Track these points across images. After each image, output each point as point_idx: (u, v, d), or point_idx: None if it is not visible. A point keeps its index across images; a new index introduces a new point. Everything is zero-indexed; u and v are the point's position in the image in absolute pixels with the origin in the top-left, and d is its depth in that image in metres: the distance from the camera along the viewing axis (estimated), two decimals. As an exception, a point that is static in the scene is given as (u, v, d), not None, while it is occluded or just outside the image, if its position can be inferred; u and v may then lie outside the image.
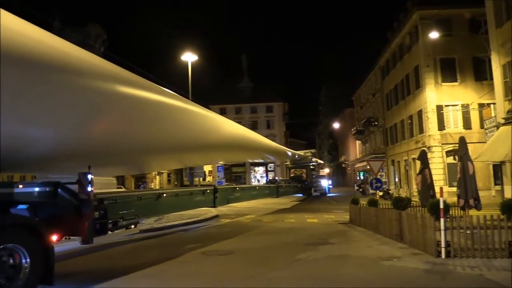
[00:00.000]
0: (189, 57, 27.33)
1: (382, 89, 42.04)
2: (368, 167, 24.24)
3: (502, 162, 21.20)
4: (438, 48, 28.31)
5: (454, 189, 20.56)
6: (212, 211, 20.82)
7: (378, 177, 19.72)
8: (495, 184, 25.47)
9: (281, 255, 9.76)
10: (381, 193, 28.63)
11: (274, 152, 27.08)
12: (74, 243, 11.87)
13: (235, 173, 59.67)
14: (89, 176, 6.71)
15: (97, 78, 7.01)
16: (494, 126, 22.29)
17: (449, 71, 28.68)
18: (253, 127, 58.86)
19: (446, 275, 7.47)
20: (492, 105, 23.99)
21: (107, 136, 7.62)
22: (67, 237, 7.08)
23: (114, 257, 10.09)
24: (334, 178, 78.08)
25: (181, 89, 26.81)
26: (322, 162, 61.21)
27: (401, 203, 12.69)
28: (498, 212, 9.72)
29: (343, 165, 73.49)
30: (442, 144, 27.98)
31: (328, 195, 42.46)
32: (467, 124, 27.63)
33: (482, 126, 25.93)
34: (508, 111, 20.58)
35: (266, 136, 46.61)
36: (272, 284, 7.11)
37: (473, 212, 11.10)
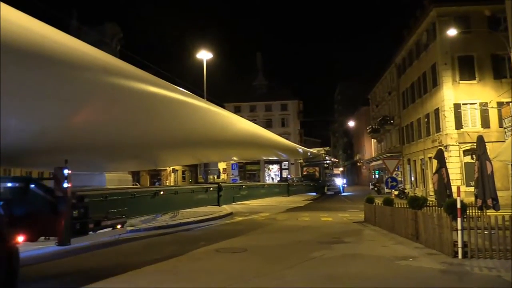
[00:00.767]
0: (204, 55, 27.43)
1: (398, 87, 41.58)
2: (384, 166, 24.02)
3: (521, 162, 20.78)
4: (456, 46, 27.85)
5: (471, 188, 20.26)
6: (226, 209, 20.89)
7: (394, 176, 19.53)
8: (514, 184, 24.99)
9: (295, 253, 9.74)
10: (396, 192, 28.36)
11: (286, 149, 26.61)
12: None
13: (249, 171, 59.78)
14: (66, 171, 6.23)
15: (109, 74, 7.13)
16: (514, 125, 21.87)
17: (467, 69, 28.19)
18: (268, 125, 58.87)
19: (463, 276, 7.37)
20: (511, 104, 23.53)
21: (121, 130, 7.77)
22: (47, 237, 6.55)
23: (128, 253, 10.18)
24: (348, 176, 77.64)
25: (196, 87, 26.97)
26: (336, 160, 60.82)
27: (417, 203, 12.53)
28: (517, 212, 9.54)
29: (358, 164, 72.97)
30: (460, 143, 27.54)
31: (343, 194, 41.84)
32: (485, 123, 27.13)
33: (500, 125, 25.44)
34: (528, 110, 20.16)
35: (280, 134, 46.49)
36: (286, 282, 7.09)
37: (491, 212, 10.93)
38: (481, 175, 11.25)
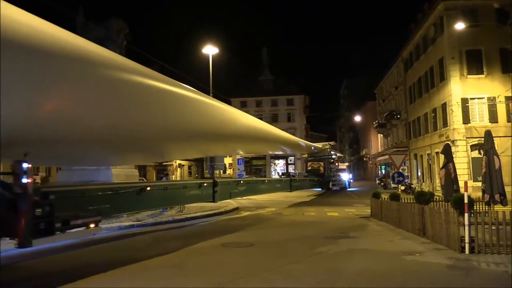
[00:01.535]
0: (210, 50, 27.39)
1: (405, 82, 41.33)
2: (390, 160, 23.93)
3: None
4: (464, 40, 27.60)
5: (479, 184, 20.13)
6: (233, 204, 20.96)
7: (400, 171, 19.46)
8: (522, 179, 24.81)
9: (301, 248, 9.75)
10: (403, 187, 28.29)
11: (287, 143, 26.03)
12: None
13: (256, 166, 59.76)
14: (25, 165, 5.79)
15: (118, 70, 7.17)
16: (522, 120, 21.69)
17: (475, 63, 27.93)
18: (274, 120, 58.80)
19: (470, 271, 7.34)
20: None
21: (128, 122, 7.81)
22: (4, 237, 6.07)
23: (135, 247, 10.24)
24: (355, 171, 77.50)
25: (202, 82, 26.98)
26: (342, 155, 60.65)
27: (424, 198, 12.49)
28: (525, 207, 9.49)
29: (364, 159, 72.77)
30: (467, 138, 27.36)
31: (349, 189, 40.94)
32: (493, 118, 26.91)
33: (509, 120, 25.26)
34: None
35: (286, 129, 46.24)
36: (292, 276, 7.11)
37: (498, 207, 10.86)
38: (488, 170, 11.18)
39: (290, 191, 27.37)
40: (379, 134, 57.29)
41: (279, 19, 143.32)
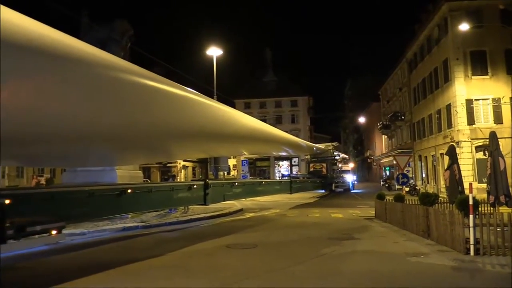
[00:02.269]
0: (214, 52, 27.44)
1: (409, 83, 41.25)
2: (395, 162, 23.87)
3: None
4: (468, 41, 27.54)
5: (483, 185, 20.06)
6: (237, 205, 20.97)
7: (405, 172, 19.41)
8: (527, 181, 24.68)
9: (305, 250, 9.73)
10: (407, 189, 28.17)
11: (288, 143, 25.75)
12: (92, 234, 12.21)
13: (259, 167, 59.79)
14: None
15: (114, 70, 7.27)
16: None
17: (479, 64, 27.86)
18: (278, 121, 58.83)
19: (475, 273, 7.31)
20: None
21: (133, 122, 7.92)
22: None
23: (139, 248, 10.26)
24: (359, 173, 77.34)
25: (206, 84, 27.03)
26: (346, 156, 60.41)
27: (428, 199, 12.42)
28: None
29: (368, 160, 72.63)
30: (472, 139, 27.27)
31: (353, 191, 39.48)
32: (498, 119, 26.82)
33: (514, 121, 25.15)
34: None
35: (290, 131, 46.04)
36: (296, 278, 7.10)
37: (503, 209, 10.82)
38: (493, 171, 11.12)
39: (290, 193, 26.38)
40: (383, 136, 57.19)
41: (283, 20, 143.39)
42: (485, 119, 27.31)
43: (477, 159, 26.93)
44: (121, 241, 11.40)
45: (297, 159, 57.37)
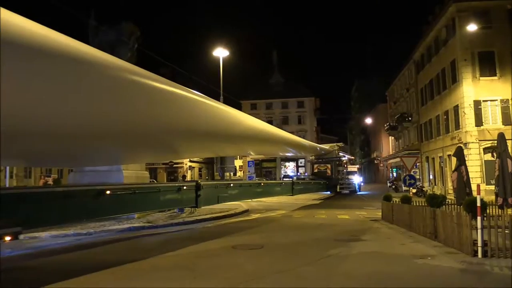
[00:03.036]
0: (220, 53, 27.50)
1: (416, 84, 41.05)
2: (402, 163, 23.76)
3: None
4: (476, 41, 27.35)
5: (491, 187, 19.91)
6: (243, 206, 20.98)
7: (412, 173, 19.32)
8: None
9: (311, 251, 9.72)
10: (414, 190, 28.06)
11: (291, 143, 25.44)
12: (99, 234, 12.27)
13: (266, 168, 59.78)
14: None
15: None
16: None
17: (487, 65, 27.64)
18: (284, 122, 58.82)
19: (483, 275, 7.25)
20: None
21: (140, 121, 8.15)
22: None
23: (144, 249, 10.28)
24: (366, 174, 77.07)
25: (213, 85, 27.09)
26: (352, 157, 60.09)
27: (436, 201, 12.36)
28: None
29: (375, 162, 72.37)
30: (480, 140, 27.06)
31: (359, 193, 38.66)
32: (506, 120, 26.58)
33: (522, 122, 24.91)
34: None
35: (297, 132, 45.89)
36: (303, 279, 7.09)
37: (512, 211, 10.73)
38: (502, 173, 11.04)
39: (292, 195, 25.39)
40: (390, 137, 56.98)
41: (289, 21, 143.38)
42: (493, 120, 27.09)
43: (485, 160, 26.72)
44: (128, 241, 11.46)
45: (303, 160, 57.28)
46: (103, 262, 8.34)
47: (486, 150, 26.80)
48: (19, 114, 5.50)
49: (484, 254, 8.38)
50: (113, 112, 7.22)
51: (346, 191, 37.23)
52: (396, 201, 14.95)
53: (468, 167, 13.99)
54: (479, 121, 27.17)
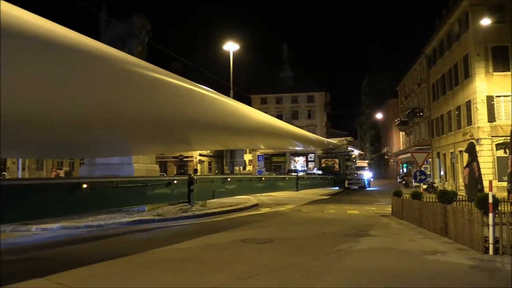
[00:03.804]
0: (231, 47, 27.46)
1: (428, 79, 40.64)
2: (412, 159, 23.59)
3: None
4: (489, 36, 26.97)
5: (504, 183, 19.69)
6: (252, 200, 21.02)
7: (423, 169, 19.19)
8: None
9: (321, 246, 9.71)
10: (425, 186, 27.88)
11: (298, 137, 25.25)
12: (109, 226, 12.37)
13: (275, 163, 59.79)
14: None
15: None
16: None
17: (501, 60, 27.25)
18: (294, 117, 58.69)
19: (494, 273, 7.19)
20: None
21: (152, 112, 8.52)
22: None
23: (154, 242, 10.32)
24: (376, 170, 76.69)
25: (223, 79, 27.07)
26: (362, 152, 59.81)
27: (447, 197, 12.27)
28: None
29: (385, 157, 71.97)
30: (492, 136, 26.76)
31: (368, 188, 37.82)
32: (519, 116, 26.24)
33: (536, 118, 24.56)
34: None
35: (307, 126, 45.63)
36: (312, 274, 7.09)
37: (524, 207, 10.61)
38: (514, 169, 10.92)
39: (296, 191, 24.65)
40: (401, 132, 56.61)
41: (300, 16, 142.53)
42: (506, 116, 26.69)
43: (497, 157, 26.43)
44: (138, 233, 11.54)
45: (313, 154, 57.13)
46: (114, 253, 8.41)
47: (498, 146, 26.50)
48: (32, 104, 5.67)
49: (496, 251, 8.30)
50: (133, 105, 7.73)
51: (355, 187, 36.70)
52: (406, 196, 14.87)
53: (480, 163, 13.86)
54: (491, 117, 26.84)
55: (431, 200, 13.29)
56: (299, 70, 63.92)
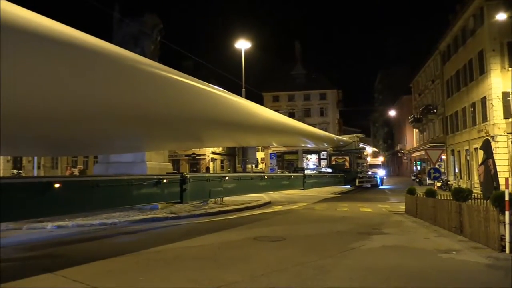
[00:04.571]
0: (243, 45, 27.46)
1: (442, 75, 40.15)
2: (426, 156, 23.36)
3: None
4: (505, 31, 26.49)
5: (520, 181, 19.34)
6: (265, 198, 21.05)
7: (437, 167, 18.98)
8: None
9: (333, 243, 9.68)
10: (439, 184, 27.60)
11: (306, 134, 25.00)
12: (122, 224, 12.47)
13: (288, 161, 59.67)
14: None
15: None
16: None
17: (517, 56, 26.80)
18: (306, 115, 58.51)
19: (510, 272, 7.08)
20: None
21: (164, 110, 8.87)
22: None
23: (167, 239, 10.38)
24: (389, 167, 76.17)
25: (235, 76, 27.07)
26: (376, 149, 59.28)
27: (462, 194, 12.12)
28: None
29: (399, 154, 71.37)
30: (508, 133, 26.33)
31: (381, 187, 37.27)
32: (536, 113, 25.79)
33: (553, 114, 24.12)
34: None
35: (319, 124, 45.33)
36: (325, 272, 7.06)
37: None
38: (531, 166, 10.74)
39: (303, 189, 23.39)
40: (414, 129, 56.07)
41: (312, 13, 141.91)
42: (522, 113, 26.29)
43: (513, 153, 26.03)
44: (151, 231, 11.63)
45: (325, 152, 56.86)
46: (127, 251, 8.50)
47: (515, 143, 26.07)
48: (38, 101, 5.84)
49: (512, 250, 8.19)
50: (146, 101, 8.08)
51: (367, 185, 35.79)
52: (420, 194, 14.74)
53: (495, 160, 13.66)
54: (507, 113, 26.40)
55: (445, 198, 13.15)
56: (311, 68, 63.64)
